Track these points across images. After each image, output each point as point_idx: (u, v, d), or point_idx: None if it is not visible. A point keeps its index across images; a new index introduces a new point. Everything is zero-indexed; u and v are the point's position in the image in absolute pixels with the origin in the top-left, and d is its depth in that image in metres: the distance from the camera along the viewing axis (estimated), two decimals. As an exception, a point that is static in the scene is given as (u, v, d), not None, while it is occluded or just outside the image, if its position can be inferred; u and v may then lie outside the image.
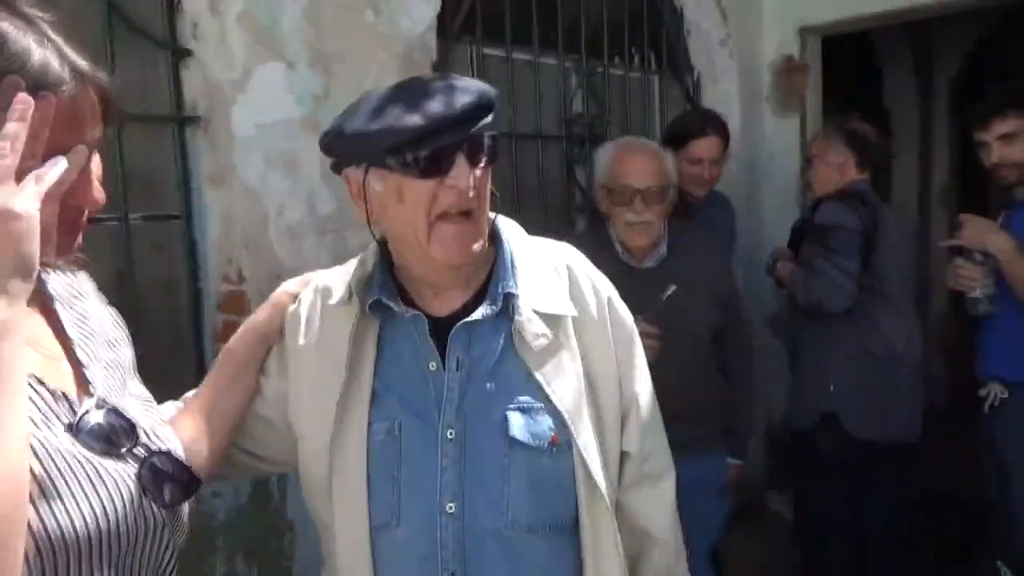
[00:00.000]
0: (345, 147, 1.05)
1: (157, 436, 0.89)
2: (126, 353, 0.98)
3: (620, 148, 2.13)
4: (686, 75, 3.33)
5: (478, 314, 1.08)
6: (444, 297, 1.13)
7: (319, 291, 1.17)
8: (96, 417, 0.82)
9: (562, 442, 1.07)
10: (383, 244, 1.15)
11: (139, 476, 0.83)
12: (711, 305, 2.08)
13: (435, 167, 1.02)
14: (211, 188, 1.95)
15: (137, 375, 0.98)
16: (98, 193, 0.84)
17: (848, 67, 3.81)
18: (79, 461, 0.78)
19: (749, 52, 3.44)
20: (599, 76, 3.00)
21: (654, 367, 1.25)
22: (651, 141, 2.27)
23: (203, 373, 2.02)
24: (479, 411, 1.07)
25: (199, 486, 0.91)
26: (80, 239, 0.84)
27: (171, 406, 1.13)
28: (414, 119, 0.99)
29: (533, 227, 1.32)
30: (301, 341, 1.14)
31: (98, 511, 0.77)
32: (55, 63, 0.76)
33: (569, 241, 1.29)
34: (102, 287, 0.99)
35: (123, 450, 0.83)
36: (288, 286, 1.22)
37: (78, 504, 0.75)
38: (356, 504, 1.07)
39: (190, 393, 1.18)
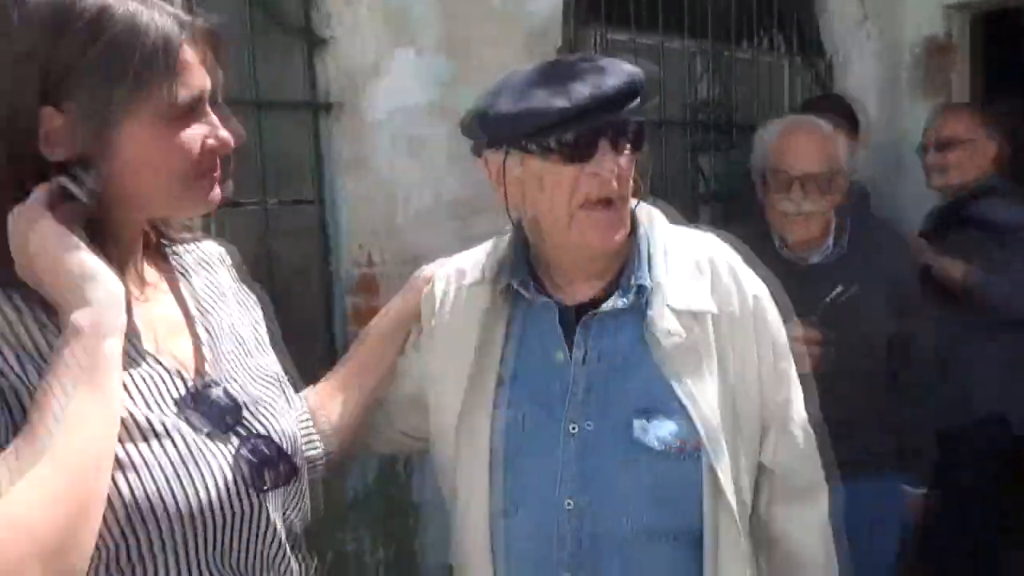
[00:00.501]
0: (486, 129, 1.03)
1: (264, 418, 0.88)
2: (254, 328, 0.99)
3: (783, 128, 1.94)
4: (818, 58, 3.17)
5: (608, 305, 1.05)
6: (577, 286, 1.10)
7: (455, 272, 1.17)
8: (205, 396, 0.83)
9: (690, 448, 1.02)
10: (519, 228, 1.13)
11: (236, 458, 0.82)
12: (889, 311, 1.82)
13: (578, 152, 0.99)
14: (344, 174, 1.99)
15: (271, 351, 0.98)
16: (226, 135, 0.82)
17: (1005, 47, 3.50)
18: (182, 438, 0.78)
19: (889, 33, 3.23)
20: (726, 60, 2.90)
21: (818, 376, 1.18)
22: (823, 121, 1.98)
23: (334, 353, 2.09)
24: (603, 408, 1.04)
25: (298, 474, 0.90)
26: (229, 184, 0.84)
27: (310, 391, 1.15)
28: (559, 101, 0.96)
29: None
30: (435, 321, 1.15)
31: (190, 489, 0.76)
32: (162, 20, 0.75)
33: (722, 233, 1.21)
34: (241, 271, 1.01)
35: (227, 431, 0.83)
36: (426, 269, 1.24)
37: (170, 480, 0.75)
38: (478, 488, 1.07)
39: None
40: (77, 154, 0.74)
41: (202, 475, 0.78)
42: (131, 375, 0.78)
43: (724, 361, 1.05)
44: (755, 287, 1.10)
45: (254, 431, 0.86)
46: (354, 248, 2.00)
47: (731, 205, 2.88)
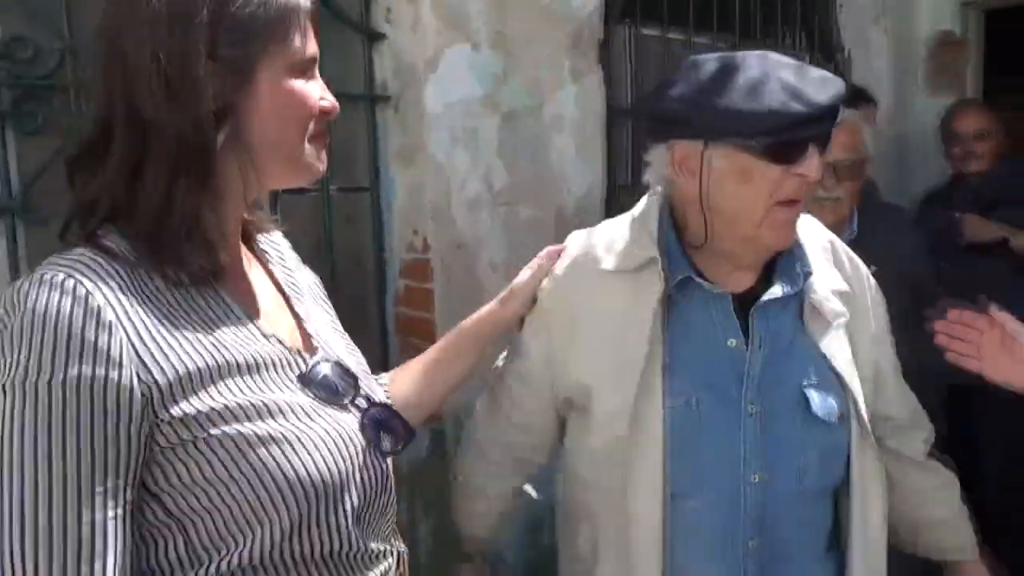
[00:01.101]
0: (701, 120, 1.04)
1: (373, 387, 0.95)
2: (331, 310, 1.04)
3: None
4: (836, 52, 3.27)
5: (777, 292, 1.12)
6: (737, 275, 1.15)
7: (585, 258, 1.19)
8: (324, 369, 0.87)
9: (844, 415, 1.14)
10: (670, 216, 1.16)
11: (363, 426, 0.87)
12: (902, 289, 1.88)
13: (790, 154, 1.03)
14: (398, 162, 2.09)
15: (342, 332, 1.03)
16: (332, 100, 0.87)
17: (1016, 47, 3.61)
18: (316, 411, 0.82)
19: (904, 28, 3.34)
20: (750, 55, 3.00)
21: None
22: (849, 111, 2.05)
23: (386, 335, 2.20)
24: (778, 388, 1.12)
25: (414, 436, 0.95)
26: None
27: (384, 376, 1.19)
28: (797, 105, 0.99)
29: None
30: (575, 311, 1.16)
31: (329, 459, 0.80)
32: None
33: None
34: (303, 255, 1.04)
35: (347, 401, 0.88)
36: (523, 278, 1.24)
37: (311, 452, 0.78)
38: (653, 473, 1.09)
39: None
40: (222, 104, 0.77)
41: (342, 443, 0.82)
42: (262, 355, 0.82)
43: (858, 334, 1.18)
44: (862, 264, 1.25)
45: (374, 399, 0.92)
46: (407, 234, 2.10)
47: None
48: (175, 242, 0.77)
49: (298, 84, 0.82)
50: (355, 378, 0.91)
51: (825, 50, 3.25)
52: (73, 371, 0.68)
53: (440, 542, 2.12)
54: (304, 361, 0.86)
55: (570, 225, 2.25)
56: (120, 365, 0.70)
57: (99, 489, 0.69)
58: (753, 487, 1.12)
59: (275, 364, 0.83)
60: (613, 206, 2.41)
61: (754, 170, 1.04)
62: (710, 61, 1.07)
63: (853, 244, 1.89)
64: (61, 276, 0.70)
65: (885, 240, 1.96)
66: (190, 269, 0.78)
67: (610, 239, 1.19)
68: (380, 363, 2.20)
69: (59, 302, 0.69)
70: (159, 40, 0.74)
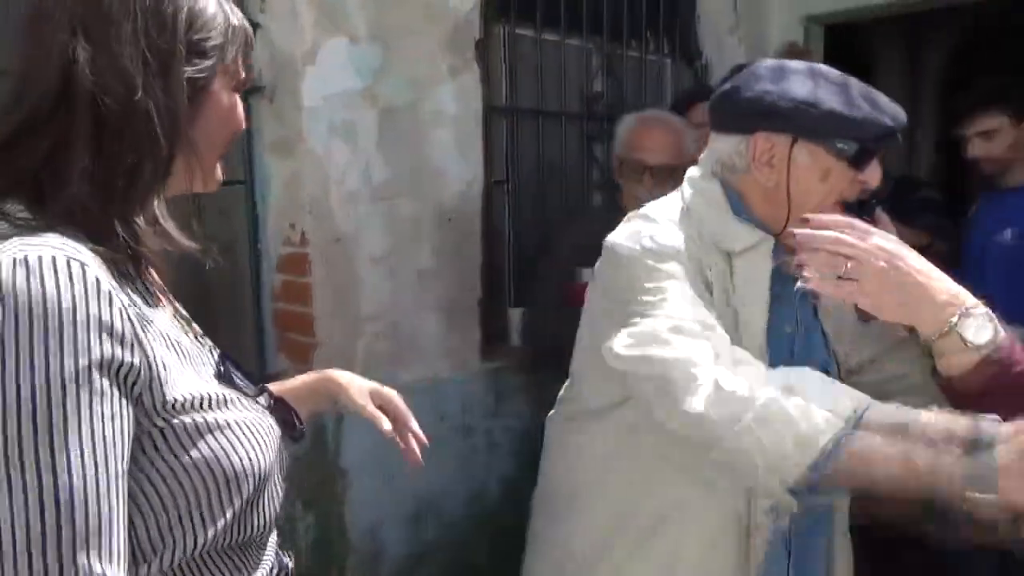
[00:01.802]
0: (800, 118, 1.12)
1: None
2: None
3: (640, 120, 2.15)
4: (696, 60, 3.48)
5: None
6: None
7: (703, 239, 1.21)
8: (230, 367, 0.88)
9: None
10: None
11: (274, 420, 0.89)
12: None
13: (862, 161, 1.14)
14: (274, 155, 2.06)
15: None
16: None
17: (850, 59, 3.97)
18: (245, 402, 0.84)
19: (757, 39, 3.59)
20: (618, 58, 3.14)
21: None
22: (675, 117, 2.28)
23: (262, 330, 2.16)
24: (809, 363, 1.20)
25: (304, 430, 0.99)
26: None
27: None
28: (885, 119, 1.12)
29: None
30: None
31: (267, 447, 0.83)
32: (235, 20, 0.85)
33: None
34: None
35: (257, 397, 0.89)
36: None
37: (255, 441, 0.82)
38: None
39: None
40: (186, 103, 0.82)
41: (268, 437, 0.85)
42: (192, 347, 0.84)
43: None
44: None
45: (272, 392, 0.95)
46: (284, 227, 2.08)
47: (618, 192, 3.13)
48: (130, 225, 0.79)
49: (235, 99, 0.87)
50: (254, 375, 0.93)
51: (686, 56, 3.45)
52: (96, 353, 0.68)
53: (321, 534, 2.11)
54: (213, 355, 0.88)
55: (449, 220, 2.30)
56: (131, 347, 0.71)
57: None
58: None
59: (200, 357, 0.85)
60: (492, 202, 2.48)
61: (832, 170, 1.15)
62: (796, 66, 1.16)
63: None
64: (63, 258, 0.68)
65: None
66: (142, 254, 0.80)
67: (700, 223, 1.21)
68: (257, 358, 2.16)
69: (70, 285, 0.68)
70: (146, 35, 0.78)
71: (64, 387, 0.66)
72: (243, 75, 0.87)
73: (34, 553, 0.64)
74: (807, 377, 1.05)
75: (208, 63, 0.81)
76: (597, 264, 1.27)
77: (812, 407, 0.98)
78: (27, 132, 0.76)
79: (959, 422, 0.93)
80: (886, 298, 1.00)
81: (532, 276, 2.42)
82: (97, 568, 0.66)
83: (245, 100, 2.02)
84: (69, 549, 0.65)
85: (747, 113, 1.16)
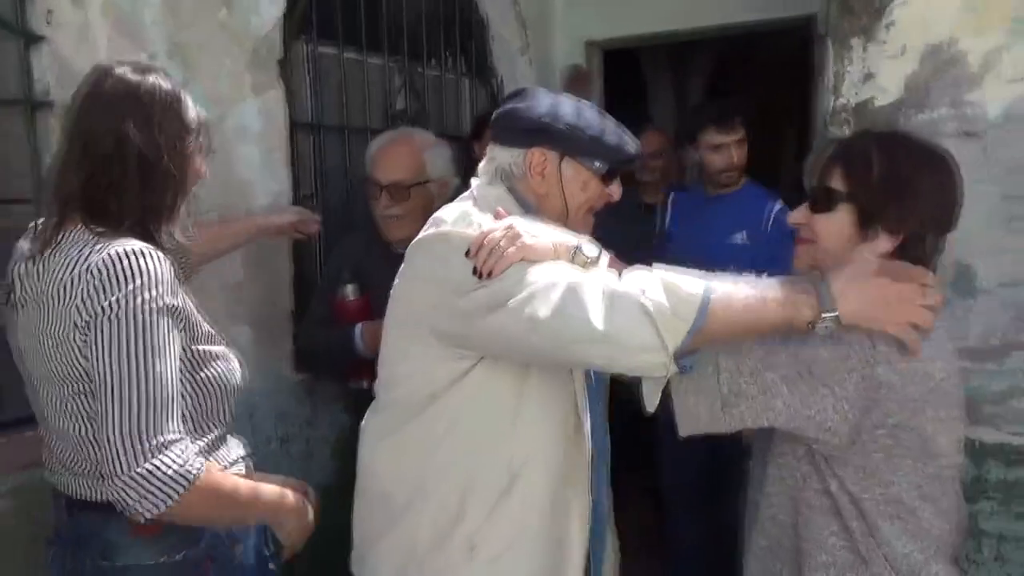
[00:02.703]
0: (572, 140, 1.41)
1: None
2: None
3: (383, 139, 2.21)
4: (492, 79, 3.72)
5: None
6: None
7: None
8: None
9: None
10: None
11: None
12: None
13: (610, 179, 1.47)
14: (66, 172, 1.98)
15: None
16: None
17: (627, 80, 4.43)
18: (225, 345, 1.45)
19: (545, 60, 3.90)
20: (419, 76, 3.30)
21: None
22: (424, 134, 2.28)
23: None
24: None
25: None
26: None
27: None
28: (630, 148, 1.46)
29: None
30: None
31: (243, 370, 1.47)
32: (203, 115, 1.44)
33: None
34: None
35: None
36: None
37: (239, 368, 1.46)
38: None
39: None
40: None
41: (241, 366, 1.47)
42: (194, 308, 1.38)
43: None
44: None
45: None
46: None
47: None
48: (160, 231, 1.36)
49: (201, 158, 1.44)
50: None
51: (482, 75, 3.68)
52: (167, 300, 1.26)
53: None
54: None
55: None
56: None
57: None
58: None
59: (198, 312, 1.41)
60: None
61: (589, 183, 1.45)
62: (566, 97, 1.45)
63: None
64: (147, 249, 1.27)
65: None
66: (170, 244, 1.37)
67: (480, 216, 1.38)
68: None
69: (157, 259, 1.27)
70: (165, 120, 1.35)
71: (157, 318, 1.23)
72: (206, 147, 1.43)
73: (140, 413, 1.19)
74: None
75: (192, 139, 1.38)
76: (417, 261, 1.37)
77: (679, 280, 1.19)
78: (93, 179, 1.30)
79: (785, 278, 1.23)
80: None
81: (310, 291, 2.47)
82: (172, 425, 1.22)
83: (31, 115, 1.94)
84: (160, 412, 1.21)
85: (526, 131, 1.42)
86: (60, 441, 1.33)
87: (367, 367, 2.02)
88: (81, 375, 1.26)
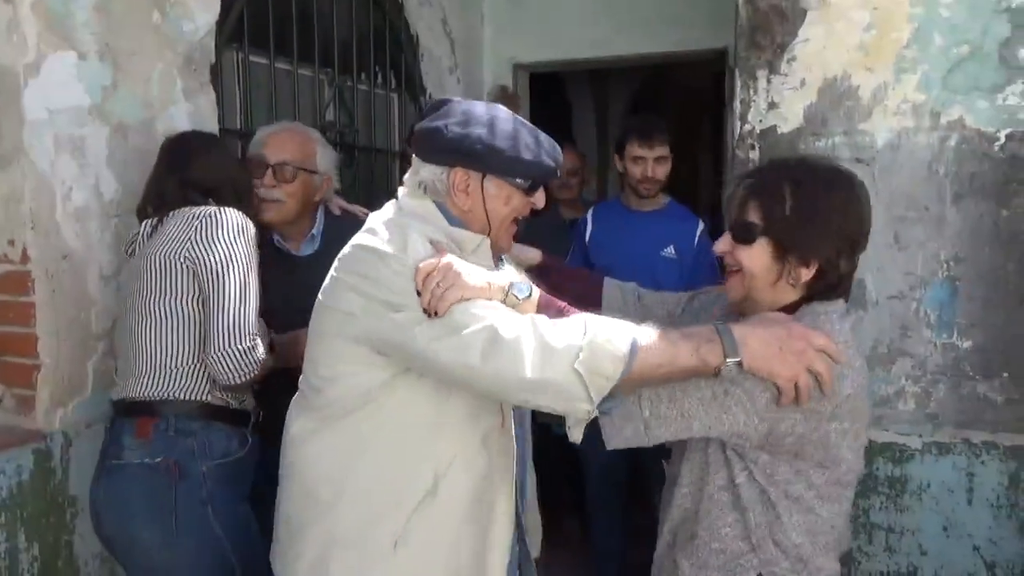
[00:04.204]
0: (491, 160, 1.41)
1: None
2: None
3: (273, 126, 2.22)
4: (421, 95, 3.81)
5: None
6: None
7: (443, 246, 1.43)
8: None
9: None
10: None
11: None
12: None
13: (534, 191, 1.49)
14: (-8, 169, 1.96)
15: None
16: None
17: (554, 101, 4.59)
18: None
19: (473, 80, 4.02)
20: (348, 89, 3.35)
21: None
22: (315, 132, 2.30)
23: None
24: None
25: None
26: None
27: None
28: (548, 160, 1.46)
29: None
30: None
31: None
32: None
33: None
34: None
35: None
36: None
37: None
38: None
39: None
40: None
41: None
42: None
43: None
44: None
45: None
46: (3, 245, 1.98)
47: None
48: None
49: None
50: None
51: (411, 91, 3.76)
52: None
53: (48, 565, 2.01)
54: None
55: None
56: None
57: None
58: None
59: None
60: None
61: (513, 197, 1.48)
62: (479, 115, 1.44)
63: (317, 255, 2.15)
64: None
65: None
66: None
67: (433, 233, 1.43)
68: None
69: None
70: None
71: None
72: None
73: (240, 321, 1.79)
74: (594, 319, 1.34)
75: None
76: (352, 273, 1.41)
77: (610, 335, 1.27)
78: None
79: (696, 327, 1.33)
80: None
81: None
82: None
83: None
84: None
85: (447, 150, 1.44)
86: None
87: None
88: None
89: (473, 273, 1.34)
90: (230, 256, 1.78)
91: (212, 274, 1.77)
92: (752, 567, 1.39)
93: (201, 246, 1.78)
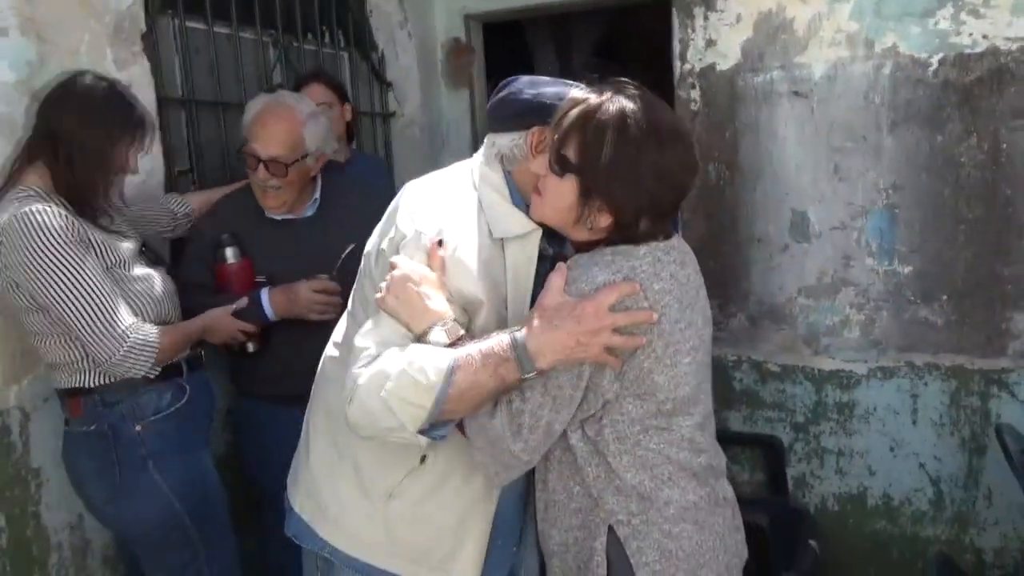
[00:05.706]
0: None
1: None
2: None
3: (261, 107, 2.25)
4: (371, 51, 3.76)
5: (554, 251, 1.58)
6: None
7: (461, 233, 1.45)
8: (147, 253, 2.15)
9: None
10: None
11: None
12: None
13: None
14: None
15: None
16: None
17: (508, 51, 4.53)
18: (153, 268, 2.07)
19: (424, 33, 3.96)
20: (295, 50, 3.31)
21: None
22: (302, 103, 2.33)
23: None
24: None
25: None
26: None
27: None
28: None
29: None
30: (476, 272, 1.45)
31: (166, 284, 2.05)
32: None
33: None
34: None
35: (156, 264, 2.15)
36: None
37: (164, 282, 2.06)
38: None
39: None
40: None
41: (166, 281, 2.08)
42: (124, 246, 2.00)
43: None
44: None
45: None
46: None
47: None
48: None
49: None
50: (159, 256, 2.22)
51: (362, 48, 3.72)
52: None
53: (16, 538, 2.07)
54: (143, 250, 2.12)
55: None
56: None
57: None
58: None
59: (129, 250, 2.06)
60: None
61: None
62: (543, 77, 1.50)
63: (313, 220, 2.30)
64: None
65: (348, 213, 2.30)
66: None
67: (488, 209, 1.47)
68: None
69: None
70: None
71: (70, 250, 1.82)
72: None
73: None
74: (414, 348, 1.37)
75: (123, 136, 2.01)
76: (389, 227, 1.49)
77: (424, 364, 1.31)
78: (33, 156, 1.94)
79: (495, 339, 1.33)
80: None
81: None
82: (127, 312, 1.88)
83: None
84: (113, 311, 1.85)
85: (522, 112, 1.46)
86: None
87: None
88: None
89: (428, 294, 1.36)
90: (44, 272, 1.78)
91: (43, 299, 1.80)
92: (601, 520, 1.40)
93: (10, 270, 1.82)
